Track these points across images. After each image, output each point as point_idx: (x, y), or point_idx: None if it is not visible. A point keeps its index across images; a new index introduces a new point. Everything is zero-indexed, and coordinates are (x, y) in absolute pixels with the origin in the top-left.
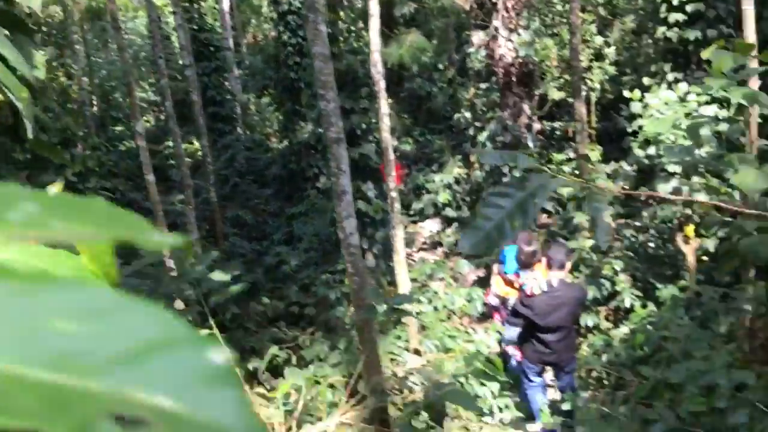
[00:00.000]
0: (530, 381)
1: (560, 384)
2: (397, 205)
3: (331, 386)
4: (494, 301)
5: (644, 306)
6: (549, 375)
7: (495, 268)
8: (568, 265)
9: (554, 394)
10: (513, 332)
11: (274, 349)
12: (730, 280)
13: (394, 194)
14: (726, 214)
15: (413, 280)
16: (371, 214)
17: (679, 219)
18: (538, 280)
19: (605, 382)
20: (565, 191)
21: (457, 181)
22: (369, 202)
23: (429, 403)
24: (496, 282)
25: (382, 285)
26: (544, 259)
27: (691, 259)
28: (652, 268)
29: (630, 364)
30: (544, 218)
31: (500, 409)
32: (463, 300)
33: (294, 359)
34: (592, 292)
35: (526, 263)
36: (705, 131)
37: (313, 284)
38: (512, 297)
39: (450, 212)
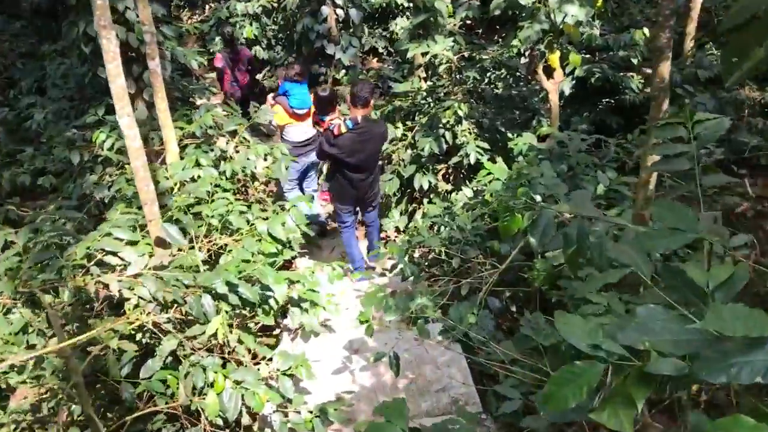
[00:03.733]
0: (344, 222)
1: (367, 219)
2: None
3: None
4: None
5: (492, 160)
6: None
7: (270, 99)
8: (372, 102)
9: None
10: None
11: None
12: (588, 127)
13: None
14: None
15: (191, 134)
16: (134, 45)
17: (540, 46)
18: (343, 118)
19: (445, 267)
20: (398, 27)
21: (267, 12)
22: (131, 28)
23: None
24: (276, 113)
25: (149, 142)
26: (348, 98)
27: (554, 99)
28: (501, 113)
29: (477, 239)
30: (374, 62)
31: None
32: (264, 162)
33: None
34: (428, 146)
35: (323, 108)
36: None
37: (55, 145)
38: (293, 126)
39: (260, 52)
